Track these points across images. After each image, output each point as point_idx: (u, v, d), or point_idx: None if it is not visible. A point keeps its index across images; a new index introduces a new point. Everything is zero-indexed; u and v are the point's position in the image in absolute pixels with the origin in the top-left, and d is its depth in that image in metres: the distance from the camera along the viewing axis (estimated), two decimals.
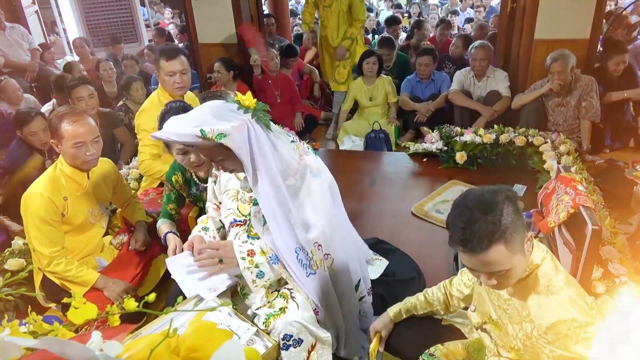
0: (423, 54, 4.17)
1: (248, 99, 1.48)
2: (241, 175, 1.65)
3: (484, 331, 1.40)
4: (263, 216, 1.56)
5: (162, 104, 2.48)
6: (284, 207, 1.51)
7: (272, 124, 1.55)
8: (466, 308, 1.59)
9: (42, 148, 3.05)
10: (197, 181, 2.10)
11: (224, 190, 1.75)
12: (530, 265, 1.19)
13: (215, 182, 1.81)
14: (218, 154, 1.45)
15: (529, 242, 1.16)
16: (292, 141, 1.59)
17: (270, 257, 1.57)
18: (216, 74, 4.07)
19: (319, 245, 1.56)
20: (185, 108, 1.93)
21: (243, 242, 1.60)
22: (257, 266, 1.56)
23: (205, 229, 1.83)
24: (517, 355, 1.30)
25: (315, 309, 1.62)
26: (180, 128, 1.37)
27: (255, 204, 1.57)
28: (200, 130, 1.33)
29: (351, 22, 4.32)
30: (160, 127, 1.92)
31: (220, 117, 1.39)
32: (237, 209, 1.68)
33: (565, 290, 1.16)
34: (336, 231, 1.63)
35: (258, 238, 1.63)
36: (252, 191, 1.60)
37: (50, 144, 2.94)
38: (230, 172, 1.57)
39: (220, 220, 1.85)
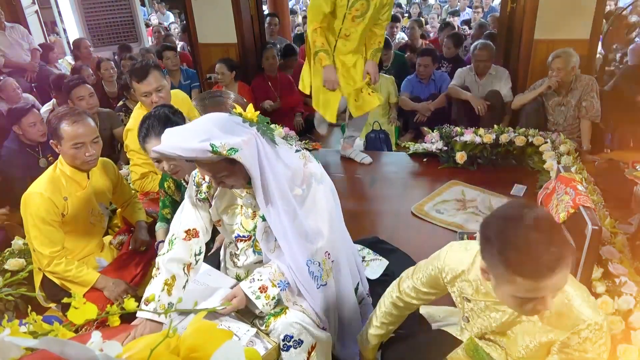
0: (423, 54, 4.16)
1: (250, 112, 1.44)
2: (240, 191, 1.60)
3: (488, 340, 1.38)
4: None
5: None
6: (294, 220, 1.50)
7: (275, 135, 1.53)
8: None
9: (41, 140, 3.04)
10: (187, 185, 2.10)
11: (224, 206, 1.66)
12: None
13: (199, 191, 1.67)
14: (222, 170, 1.40)
15: None
16: (297, 150, 1.58)
17: (278, 284, 1.53)
18: (219, 76, 4.06)
19: (328, 253, 1.55)
20: (167, 117, 1.90)
21: (251, 282, 1.53)
22: (273, 298, 1.53)
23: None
24: None
25: (323, 327, 1.60)
26: (187, 142, 1.30)
27: (263, 219, 1.54)
28: (211, 145, 1.28)
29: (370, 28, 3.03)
30: (140, 134, 1.90)
31: (229, 131, 1.34)
32: (241, 224, 1.65)
33: (577, 293, 1.16)
34: (338, 237, 1.62)
35: (260, 253, 1.62)
36: (256, 206, 1.56)
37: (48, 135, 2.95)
38: (230, 187, 1.52)
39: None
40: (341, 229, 1.71)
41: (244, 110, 1.46)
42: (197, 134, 1.32)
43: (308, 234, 1.52)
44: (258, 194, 1.44)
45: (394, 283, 1.55)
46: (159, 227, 2.17)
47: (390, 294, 1.53)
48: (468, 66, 3.97)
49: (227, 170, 1.40)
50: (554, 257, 1.00)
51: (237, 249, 1.68)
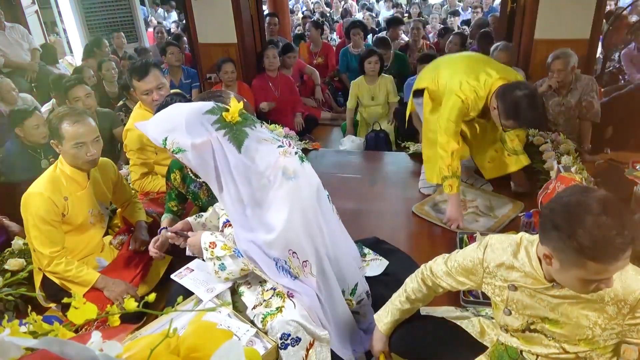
0: (424, 62, 3.90)
1: (233, 113, 1.49)
2: None
3: (534, 331, 1.37)
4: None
5: (147, 120, 2.46)
6: (254, 217, 1.53)
7: (258, 133, 1.55)
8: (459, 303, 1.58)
9: (42, 142, 3.03)
10: (194, 177, 2.10)
11: None
12: None
13: None
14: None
15: None
16: (280, 146, 1.57)
17: (234, 250, 1.59)
18: (227, 75, 4.03)
19: (294, 252, 1.55)
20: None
21: (211, 234, 1.66)
22: (218, 258, 1.61)
23: (199, 215, 1.89)
24: (589, 345, 1.29)
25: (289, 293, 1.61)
26: (153, 127, 1.48)
27: None
28: (162, 140, 1.45)
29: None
30: None
31: (190, 130, 1.44)
32: None
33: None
34: (315, 237, 1.60)
35: None
36: None
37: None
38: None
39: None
40: (332, 230, 1.69)
41: (247, 110, 1.49)
42: (165, 123, 1.48)
43: (263, 226, 1.54)
44: (212, 186, 1.55)
45: (423, 265, 1.58)
46: (165, 217, 2.18)
47: (421, 272, 1.57)
48: None
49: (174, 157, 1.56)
50: (627, 240, 1.04)
51: (225, 236, 1.70)
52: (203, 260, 1.69)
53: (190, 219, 1.88)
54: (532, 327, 1.36)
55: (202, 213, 1.92)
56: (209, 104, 1.54)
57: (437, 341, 1.53)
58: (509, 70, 2.51)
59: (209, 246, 1.62)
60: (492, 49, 3.74)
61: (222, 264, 1.61)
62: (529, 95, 2.18)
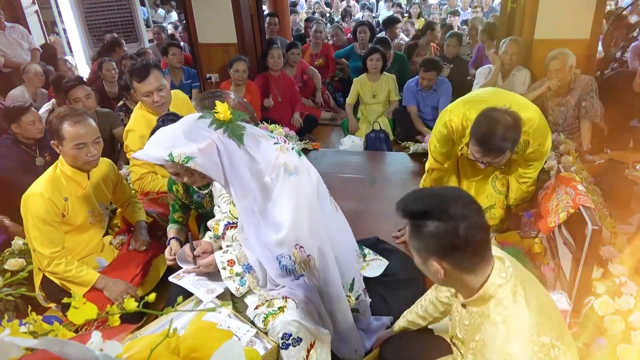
0: (429, 69, 3.87)
1: (224, 112, 1.50)
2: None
3: (454, 345, 1.40)
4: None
5: (148, 121, 2.44)
6: (261, 214, 1.55)
7: (253, 129, 1.57)
8: None
9: (38, 137, 3.00)
10: (197, 189, 2.10)
11: (219, 194, 1.80)
12: (484, 295, 1.13)
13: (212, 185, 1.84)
14: (185, 172, 1.54)
15: (439, 273, 1.12)
16: (276, 143, 1.59)
17: (243, 264, 1.63)
18: (238, 74, 3.99)
19: (299, 246, 1.56)
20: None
21: (224, 252, 1.67)
22: (237, 275, 1.62)
23: (217, 236, 1.86)
24: None
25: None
26: (153, 150, 1.46)
27: None
28: (169, 155, 1.42)
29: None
30: None
31: (190, 137, 1.45)
32: (230, 212, 1.72)
33: (515, 326, 1.08)
34: (318, 231, 1.61)
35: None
36: None
37: (45, 133, 2.94)
38: (191, 184, 1.65)
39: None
40: (329, 225, 1.71)
41: (246, 110, 1.49)
42: (164, 141, 1.46)
43: (272, 225, 1.55)
44: (225, 188, 1.56)
45: None
46: (169, 228, 2.15)
47: (428, 292, 1.63)
48: (489, 65, 3.84)
49: (189, 173, 1.54)
50: (403, 206, 1.13)
51: (229, 239, 1.72)
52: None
53: (210, 240, 1.85)
54: (453, 340, 1.39)
55: (219, 234, 1.87)
56: (197, 114, 1.55)
57: (422, 350, 1.54)
58: (522, 104, 2.13)
59: (228, 264, 1.64)
60: (502, 42, 3.72)
61: (242, 279, 1.64)
62: (506, 125, 1.83)
